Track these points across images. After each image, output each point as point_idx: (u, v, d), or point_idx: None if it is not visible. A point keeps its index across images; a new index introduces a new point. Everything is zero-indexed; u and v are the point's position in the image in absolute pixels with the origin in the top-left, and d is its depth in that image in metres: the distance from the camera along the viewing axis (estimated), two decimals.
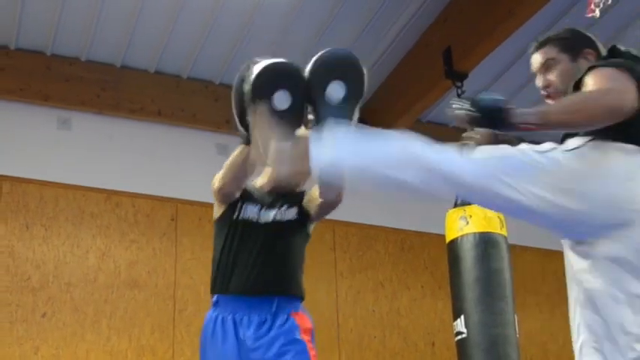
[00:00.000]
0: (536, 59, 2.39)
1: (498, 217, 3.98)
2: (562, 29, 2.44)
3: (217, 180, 2.68)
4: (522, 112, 1.95)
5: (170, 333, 4.86)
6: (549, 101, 2.31)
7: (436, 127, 5.82)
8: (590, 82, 1.96)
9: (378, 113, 5.39)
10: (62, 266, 4.81)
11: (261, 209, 2.74)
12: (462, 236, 3.99)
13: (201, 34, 4.89)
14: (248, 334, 2.58)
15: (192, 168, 5.23)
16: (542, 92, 2.34)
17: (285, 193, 2.75)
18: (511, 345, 3.79)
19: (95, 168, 5.08)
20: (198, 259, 5.01)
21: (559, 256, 6.64)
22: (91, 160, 5.09)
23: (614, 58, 2.16)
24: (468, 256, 3.95)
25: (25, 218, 4.84)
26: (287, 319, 2.60)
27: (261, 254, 2.66)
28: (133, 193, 5.08)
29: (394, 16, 4.83)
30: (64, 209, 4.94)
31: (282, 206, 2.75)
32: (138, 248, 4.99)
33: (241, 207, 2.72)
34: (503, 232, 4.01)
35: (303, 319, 2.63)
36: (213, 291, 2.77)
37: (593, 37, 2.32)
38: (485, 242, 3.94)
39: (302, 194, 2.80)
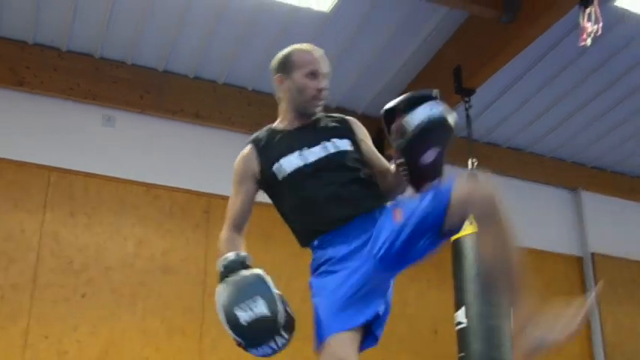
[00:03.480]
0: None
1: None
2: None
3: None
4: None
5: (199, 315, 4.91)
6: None
7: None
8: None
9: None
10: (102, 251, 4.87)
11: (301, 153, 2.38)
12: (465, 236, 4.10)
13: (236, 45, 4.99)
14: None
15: (224, 166, 5.04)
16: None
17: (324, 126, 2.45)
18: (505, 335, 3.92)
19: (136, 163, 5.16)
20: None
21: (550, 255, 6.95)
22: (132, 156, 5.17)
23: None
24: (470, 253, 4.08)
25: (70, 207, 4.91)
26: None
27: (332, 185, 2.32)
28: (169, 187, 5.16)
29: (411, 36, 4.95)
30: (106, 200, 5.01)
31: (327, 140, 2.40)
32: (172, 237, 5.06)
33: (279, 166, 2.36)
34: None
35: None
36: (306, 243, 2.39)
37: None
38: None
39: (345, 125, 2.48)
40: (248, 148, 2.46)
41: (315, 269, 2.33)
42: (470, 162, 4.54)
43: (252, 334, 2.06)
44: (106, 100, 5.19)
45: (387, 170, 2.44)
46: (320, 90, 2.43)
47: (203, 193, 5.23)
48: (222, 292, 2.09)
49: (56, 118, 5.08)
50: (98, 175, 5.05)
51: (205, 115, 5.39)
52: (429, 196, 2.14)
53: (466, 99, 4.80)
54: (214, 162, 5.28)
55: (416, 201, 2.19)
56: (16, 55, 4.97)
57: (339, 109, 5.64)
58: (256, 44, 4.98)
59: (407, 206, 2.19)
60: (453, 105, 5.04)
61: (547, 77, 5.33)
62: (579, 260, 6.49)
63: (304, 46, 2.50)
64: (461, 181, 2.09)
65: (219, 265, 2.18)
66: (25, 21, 4.80)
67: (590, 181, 6.61)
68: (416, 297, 5.72)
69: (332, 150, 2.38)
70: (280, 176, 2.35)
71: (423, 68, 5.25)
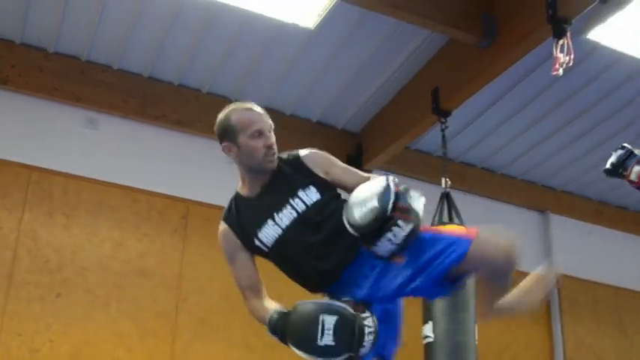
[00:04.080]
0: None
1: None
2: None
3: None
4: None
5: (173, 319, 4.90)
6: None
7: (422, 155, 6.08)
8: None
9: (373, 140, 5.64)
10: (79, 252, 4.83)
11: (274, 221, 2.34)
12: None
13: (221, 56, 5.01)
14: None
15: (204, 173, 5.30)
16: None
17: (283, 180, 2.37)
18: (470, 350, 3.98)
19: (117, 166, 5.13)
20: (203, 255, 5.09)
21: (517, 275, 7.03)
22: (113, 159, 5.15)
23: None
24: None
25: (48, 206, 4.87)
26: None
27: (313, 250, 2.30)
28: (149, 191, 5.15)
29: (393, 56, 5.01)
30: (85, 201, 4.97)
31: (293, 197, 2.33)
32: (149, 241, 5.04)
33: (260, 241, 2.35)
34: None
35: None
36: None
37: None
38: None
39: (303, 168, 2.40)
40: (224, 228, 2.43)
41: None
42: (444, 180, 4.61)
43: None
44: (89, 102, 5.17)
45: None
46: (269, 147, 2.36)
47: (182, 198, 5.24)
48: (294, 330, 2.09)
49: (39, 118, 5.05)
50: (78, 176, 5.02)
51: (187, 122, 5.39)
52: (441, 245, 2.20)
53: (442, 120, 4.88)
54: (194, 169, 5.34)
55: (422, 245, 2.20)
56: (2, 53, 4.93)
57: (319, 124, 5.69)
58: (241, 56, 5.02)
59: (412, 250, 2.18)
60: (429, 125, 5.14)
61: (521, 103, 5.43)
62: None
63: (241, 105, 2.45)
64: (482, 237, 2.15)
65: (271, 328, 2.16)
66: (13, 20, 4.77)
67: (559, 204, 6.73)
68: None
69: (302, 207, 2.33)
70: (265, 248, 2.36)
71: (402, 87, 5.31)
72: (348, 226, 2.14)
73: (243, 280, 2.39)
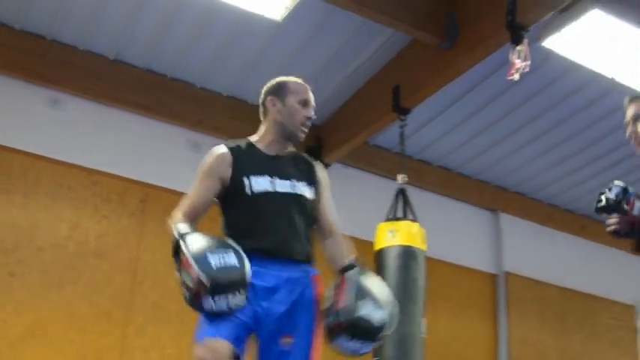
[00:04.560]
0: (629, 111, 2.53)
1: (419, 233, 4.23)
2: None
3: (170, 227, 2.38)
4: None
5: (127, 302, 4.88)
6: (638, 148, 2.51)
7: (381, 150, 6.15)
8: None
9: (333, 133, 5.67)
10: (36, 232, 4.77)
11: (272, 179, 2.47)
12: (388, 247, 4.19)
13: (188, 43, 4.98)
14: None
15: (165, 158, 5.30)
16: (630, 140, 2.53)
17: (295, 165, 2.55)
18: (417, 342, 4.05)
19: (78, 147, 5.07)
20: (161, 240, 4.85)
21: (468, 271, 7.15)
22: (74, 140, 5.08)
23: None
24: (392, 264, 4.15)
25: (6, 184, 4.79)
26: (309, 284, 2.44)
27: (278, 219, 2.41)
28: (109, 173, 5.10)
29: (357, 52, 5.04)
30: (44, 181, 4.91)
31: (297, 180, 2.51)
32: (107, 223, 5.00)
33: (249, 181, 2.44)
34: (423, 247, 4.25)
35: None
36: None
37: None
38: (407, 254, 4.16)
39: (313, 171, 2.60)
40: (225, 151, 2.51)
41: None
42: (400, 177, 4.67)
43: (219, 280, 2.13)
44: (54, 82, 5.10)
45: (330, 230, 2.61)
46: (308, 118, 2.58)
47: (142, 182, 5.21)
48: (195, 240, 2.21)
49: (2, 95, 4.96)
50: (38, 155, 4.95)
51: (151, 107, 5.35)
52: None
53: (402, 117, 4.93)
54: (156, 154, 5.31)
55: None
56: None
57: None
58: (207, 44, 5.00)
59: (299, 346, 2.32)
60: (389, 121, 5.20)
61: (478, 105, 5.53)
62: (494, 277, 6.74)
63: (297, 79, 2.65)
64: None
65: (180, 229, 2.27)
66: None
67: (510, 205, 6.88)
68: None
69: (298, 192, 2.49)
70: (248, 190, 2.43)
71: (365, 83, 5.36)
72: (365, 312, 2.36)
73: (196, 198, 2.46)
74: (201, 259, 2.15)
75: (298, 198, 2.49)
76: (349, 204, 6.02)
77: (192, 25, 4.82)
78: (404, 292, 4.06)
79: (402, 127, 4.89)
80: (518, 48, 3.84)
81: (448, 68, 4.59)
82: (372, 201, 5.44)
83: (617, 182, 2.46)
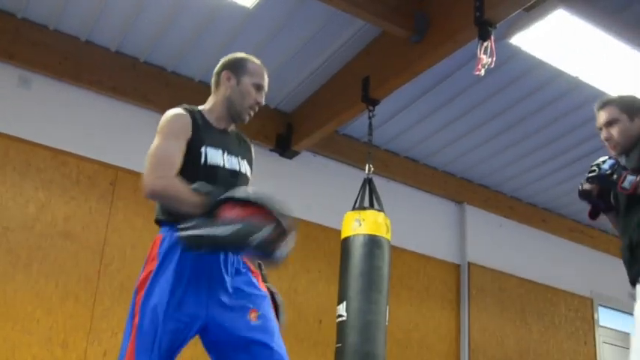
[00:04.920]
0: (602, 116, 2.73)
1: (385, 222, 4.26)
2: (625, 94, 2.84)
3: (150, 183, 2.28)
4: (631, 180, 2.38)
5: (94, 283, 4.86)
6: (611, 151, 2.70)
7: (349, 140, 6.20)
8: None
9: (303, 122, 5.70)
10: (3, 211, 4.72)
11: (223, 153, 2.44)
12: (354, 235, 4.19)
13: (159, 27, 4.95)
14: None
15: (136, 142, 4.96)
16: (605, 143, 2.72)
17: (239, 143, 2.55)
18: (380, 329, 4.05)
19: (48, 127, 5.01)
20: (129, 222, 5.08)
21: (432, 260, 7.22)
22: (44, 120, 5.03)
23: None
24: (357, 252, 4.15)
25: None
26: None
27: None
28: (79, 155, 5.06)
29: (328, 41, 5.06)
30: (13, 160, 4.84)
31: (242, 159, 2.52)
32: (76, 205, 4.96)
33: (205, 152, 2.39)
34: (388, 236, 4.26)
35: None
36: (175, 218, 2.27)
37: None
38: (372, 243, 4.16)
39: (251, 152, 2.61)
40: (185, 114, 2.45)
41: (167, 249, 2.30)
42: (367, 166, 4.72)
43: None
44: (23, 61, 5.02)
45: None
46: (258, 103, 2.54)
47: (111, 165, 5.18)
48: (241, 189, 2.24)
49: None
50: (7, 135, 4.88)
51: (122, 89, 5.31)
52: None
53: (370, 108, 4.97)
54: (126, 136, 5.27)
55: (272, 319, 2.37)
56: None
57: None
58: (179, 29, 4.98)
59: (266, 316, 2.34)
60: (358, 112, 5.24)
61: (446, 98, 5.60)
62: (457, 267, 6.84)
63: (257, 60, 2.61)
64: None
65: (204, 187, 2.23)
66: None
67: (474, 197, 6.98)
68: (306, 287, 5.83)
69: (243, 170, 2.49)
70: (202, 160, 2.38)
71: (335, 73, 5.38)
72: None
73: (176, 158, 2.33)
74: (271, 201, 2.15)
75: (243, 177, 2.48)
76: (317, 192, 6.09)
77: (165, 10, 4.79)
78: (368, 280, 4.10)
79: (370, 117, 4.93)
80: (485, 44, 3.89)
81: (417, 61, 4.62)
82: (340, 190, 5.49)
83: (612, 158, 2.59)
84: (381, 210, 4.39)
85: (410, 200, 6.62)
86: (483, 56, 3.86)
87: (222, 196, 2.20)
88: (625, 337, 8.07)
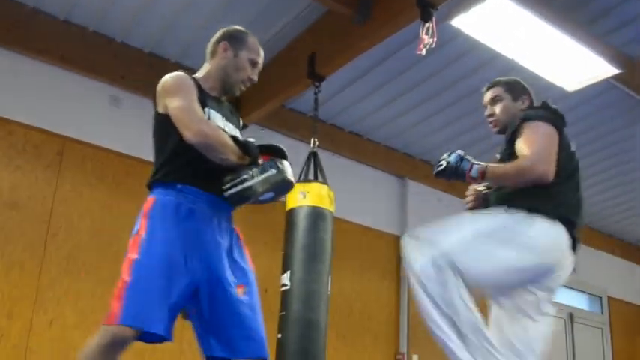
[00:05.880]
0: (488, 94, 2.91)
1: (329, 195, 4.33)
2: (510, 77, 2.99)
3: (201, 132, 2.28)
4: (477, 168, 2.51)
5: (41, 253, 4.81)
6: (492, 129, 2.89)
7: (295, 114, 6.26)
8: (525, 136, 2.57)
9: (251, 96, 5.65)
10: None
11: (222, 118, 2.47)
12: (299, 207, 4.25)
13: None
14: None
15: (84, 112, 5.21)
16: (488, 120, 2.90)
17: (231, 113, 2.58)
18: (322, 298, 4.12)
19: None
20: (76, 192, 5.05)
21: (375, 232, 7.39)
22: None
23: (545, 109, 2.72)
24: (301, 224, 4.21)
25: None
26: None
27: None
28: (26, 124, 4.97)
29: (275, 18, 5.08)
30: None
31: (236, 127, 2.54)
32: (22, 174, 4.88)
33: (209, 113, 2.40)
34: (332, 208, 4.33)
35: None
36: (173, 178, 2.35)
37: (529, 88, 2.88)
38: (316, 215, 4.22)
39: (240, 124, 2.64)
40: (189, 78, 2.44)
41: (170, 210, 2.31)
42: (312, 140, 4.79)
43: None
44: None
45: None
46: (250, 79, 2.56)
47: (59, 135, 5.10)
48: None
49: None
50: None
51: (71, 59, 5.21)
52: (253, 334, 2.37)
53: (316, 83, 5.03)
54: (73, 106, 5.20)
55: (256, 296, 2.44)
56: None
57: None
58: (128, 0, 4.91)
59: (252, 293, 2.42)
60: (305, 87, 5.29)
61: (389, 76, 5.70)
62: (398, 239, 7.01)
63: (254, 37, 2.63)
64: None
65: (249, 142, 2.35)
66: None
67: (416, 172, 7.14)
68: (252, 257, 5.73)
69: (238, 137, 2.47)
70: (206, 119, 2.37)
71: (282, 49, 5.41)
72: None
73: (200, 114, 2.36)
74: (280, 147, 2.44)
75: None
76: None
77: None
78: (312, 251, 4.17)
79: (316, 93, 4.99)
80: (427, 25, 3.99)
81: (361, 40, 4.69)
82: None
83: (457, 151, 2.70)
84: (325, 183, 4.47)
85: (353, 174, 6.75)
86: (425, 37, 3.96)
87: (258, 145, 2.35)
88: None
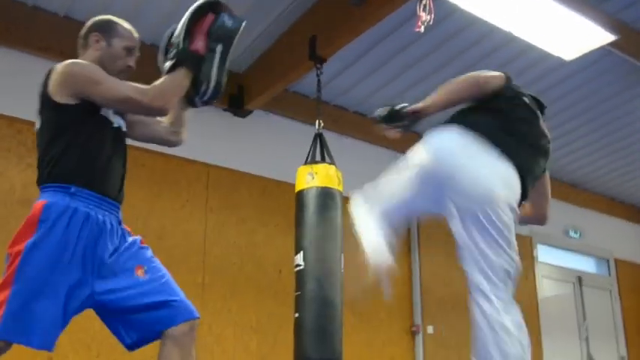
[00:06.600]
0: None
1: (337, 175, 4.36)
2: None
3: (155, 96, 2.27)
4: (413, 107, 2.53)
5: None
6: None
7: (298, 97, 6.25)
8: None
9: (254, 81, 5.72)
10: None
11: (111, 112, 2.39)
12: (308, 188, 4.28)
13: None
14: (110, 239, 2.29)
15: None
16: None
17: None
18: (335, 276, 4.16)
19: (1, 95, 4.93)
20: None
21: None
22: None
23: None
24: (311, 204, 4.24)
25: None
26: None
27: (116, 159, 2.38)
28: (33, 122, 4.94)
29: (273, 4, 5.06)
30: None
31: (119, 115, 2.44)
32: (33, 172, 4.65)
33: (106, 113, 2.37)
34: (340, 187, 4.36)
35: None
36: (66, 179, 2.31)
37: None
38: (325, 194, 4.25)
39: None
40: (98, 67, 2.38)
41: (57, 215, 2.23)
42: (318, 122, 4.80)
43: None
44: None
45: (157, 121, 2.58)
46: (129, 67, 2.48)
47: None
48: None
49: None
50: None
51: (72, 55, 5.16)
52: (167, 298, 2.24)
53: (318, 65, 5.02)
54: None
55: (159, 265, 2.31)
56: None
57: None
58: None
59: (152, 268, 2.28)
60: (307, 70, 5.29)
61: (389, 55, 5.69)
62: None
63: (128, 24, 2.54)
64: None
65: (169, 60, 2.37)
66: None
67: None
68: (264, 240, 5.92)
69: (122, 126, 2.45)
70: (107, 122, 2.35)
71: (283, 33, 5.40)
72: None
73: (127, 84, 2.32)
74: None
75: (123, 133, 2.49)
76: (271, 149, 6.17)
77: None
78: (323, 230, 4.20)
79: (318, 75, 4.99)
80: (424, 2, 3.98)
81: (360, 21, 4.69)
82: (292, 146, 5.56)
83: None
84: (332, 163, 4.49)
85: (359, 153, 6.75)
86: (422, 14, 3.96)
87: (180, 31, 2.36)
88: (561, 270, 8.49)
